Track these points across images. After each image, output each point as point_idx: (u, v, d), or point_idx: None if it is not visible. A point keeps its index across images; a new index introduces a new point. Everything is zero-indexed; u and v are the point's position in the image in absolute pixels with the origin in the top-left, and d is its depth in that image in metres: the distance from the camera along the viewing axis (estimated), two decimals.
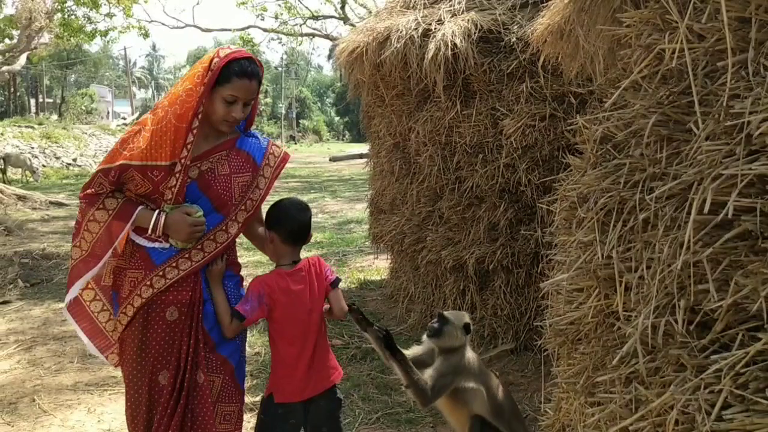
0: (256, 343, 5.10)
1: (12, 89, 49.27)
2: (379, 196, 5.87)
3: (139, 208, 2.51)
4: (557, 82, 4.27)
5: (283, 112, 66.47)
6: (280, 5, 26.29)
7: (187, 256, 2.53)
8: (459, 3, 4.85)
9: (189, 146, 2.46)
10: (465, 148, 4.79)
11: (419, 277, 5.41)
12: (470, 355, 3.03)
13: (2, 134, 24.20)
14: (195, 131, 2.46)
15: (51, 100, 55.51)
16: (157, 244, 2.54)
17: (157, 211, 2.49)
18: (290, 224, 2.68)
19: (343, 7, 25.62)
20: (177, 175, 2.46)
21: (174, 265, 2.53)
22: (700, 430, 1.31)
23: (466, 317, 3.08)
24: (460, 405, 3.00)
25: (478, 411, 2.99)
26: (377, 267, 7.27)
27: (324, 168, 27.62)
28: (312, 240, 9.44)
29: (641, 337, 1.50)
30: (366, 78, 5.36)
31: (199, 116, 2.45)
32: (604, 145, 1.82)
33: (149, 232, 2.49)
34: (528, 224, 4.59)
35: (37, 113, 46.18)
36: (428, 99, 5.03)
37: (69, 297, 2.62)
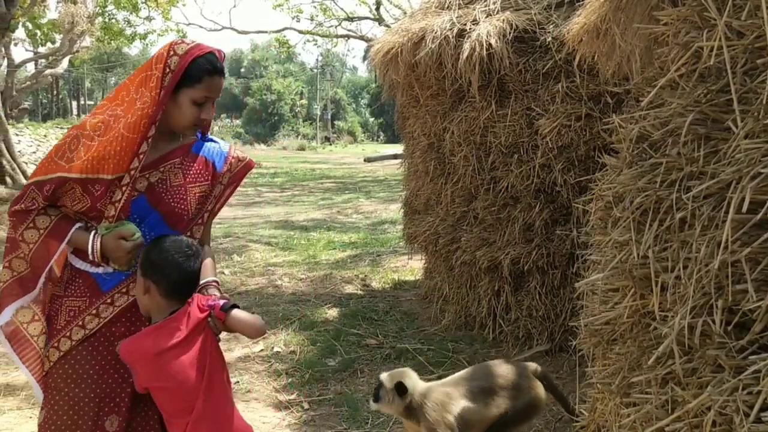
0: (291, 341, 5.15)
1: (55, 92, 50.44)
2: (414, 196, 5.88)
3: (76, 226, 2.20)
4: (593, 81, 4.24)
5: (318, 113, 66.84)
6: (315, 7, 26.50)
7: None
8: (494, 3, 4.84)
9: (141, 156, 2.17)
10: (500, 148, 4.78)
11: (453, 277, 5.40)
12: (434, 395, 2.97)
13: (45, 136, 24.73)
14: (150, 140, 2.17)
15: (92, 102, 56.65)
16: (100, 269, 2.23)
17: (92, 233, 2.17)
18: (175, 274, 2.16)
19: (378, 9, 25.69)
20: (124, 188, 2.17)
21: (124, 290, 2.22)
22: (738, 431, 1.29)
23: (403, 376, 3.00)
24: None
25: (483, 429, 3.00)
26: (411, 267, 7.28)
27: (358, 169, 27.71)
28: (347, 240, 9.44)
29: (678, 338, 1.49)
30: (401, 79, 5.37)
31: (156, 124, 2.17)
32: (641, 144, 1.81)
33: (89, 255, 2.17)
34: (563, 225, 4.56)
35: (78, 115, 47.24)
36: (463, 99, 5.02)
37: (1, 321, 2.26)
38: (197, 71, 2.17)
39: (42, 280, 2.21)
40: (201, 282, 2.30)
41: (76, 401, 2.13)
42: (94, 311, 2.19)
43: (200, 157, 2.39)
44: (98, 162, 2.14)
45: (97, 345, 2.19)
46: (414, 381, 3.03)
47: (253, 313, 5.78)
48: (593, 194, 2.08)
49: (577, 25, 2.97)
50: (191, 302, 2.19)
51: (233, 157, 2.48)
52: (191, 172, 2.34)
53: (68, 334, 2.18)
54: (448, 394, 2.98)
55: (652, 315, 1.65)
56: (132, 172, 2.17)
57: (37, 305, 2.25)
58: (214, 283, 2.35)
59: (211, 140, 2.48)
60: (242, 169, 2.50)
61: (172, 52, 2.16)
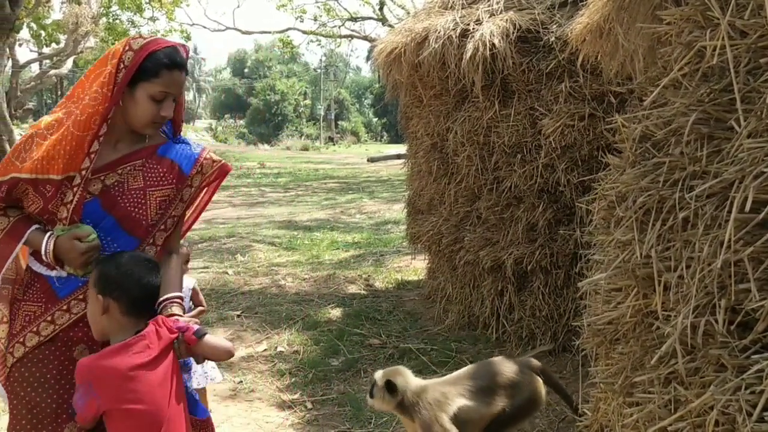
0: (294, 341, 5.15)
1: (59, 92, 50.49)
2: (417, 196, 5.88)
3: (32, 227, 2.13)
4: (597, 81, 4.23)
5: (322, 113, 66.87)
6: (319, 7, 26.51)
7: None
8: (497, 3, 4.83)
9: (93, 156, 2.08)
10: (503, 148, 4.77)
11: (457, 277, 5.40)
12: (429, 393, 2.99)
13: None
14: (102, 138, 2.09)
15: None
16: (54, 272, 2.13)
17: (48, 234, 2.09)
18: (136, 289, 2.06)
19: (381, 9, 25.71)
20: (75, 189, 2.07)
21: (80, 297, 2.11)
22: (741, 431, 1.29)
23: (394, 374, 3.04)
24: None
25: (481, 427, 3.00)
26: (414, 267, 7.28)
27: (362, 169, 27.70)
28: (350, 240, 9.42)
29: (680, 337, 1.49)
30: (404, 79, 5.37)
31: (108, 121, 2.10)
32: (644, 144, 1.81)
33: (42, 256, 2.09)
34: (567, 225, 4.56)
35: None
36: (466, 99, 5.02)
37: None
38: (154, 65, 2.07)
39: None
40: (163, 297, 2.16)
41: (33, 405, 2.07)
42: (49, 318, 2.10)
43: (166, 159, 2.26)
44: (48, 162, 2.07)
45: (54, 349, 2.11)
46: (407, 379, 3.04)
47: (256, 313, 5.79)
48: (596, 194, 2.08)
49: (581, 24, 2.97)
50: (159, 322, 2.05)
51: (205, 159, 2.34)
52: (153, 175, 2.21)
53: (22, 339, 2.10)
54: (444, 393, 2.99)
55: (654, 314, 1.65)
56: (83, 173, 2.08)
57: (5, 306, 2.20)
58: (177, 301, 2.19)
59: (184, 142, 2.35)
60: (217, 172, 2.38)
61: (127, 47, 2.09)
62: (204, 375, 3.59)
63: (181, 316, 2.14)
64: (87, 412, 1.94)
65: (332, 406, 4.10)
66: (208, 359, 2.22)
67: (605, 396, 1.96)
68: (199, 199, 2.49)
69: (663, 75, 1.84)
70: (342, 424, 3.86)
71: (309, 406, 4.10)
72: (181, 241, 3.53)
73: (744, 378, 1.33)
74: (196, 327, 2.07)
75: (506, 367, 3.12)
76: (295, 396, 4.24)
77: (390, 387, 2.98)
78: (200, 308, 3.61)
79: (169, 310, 2.14)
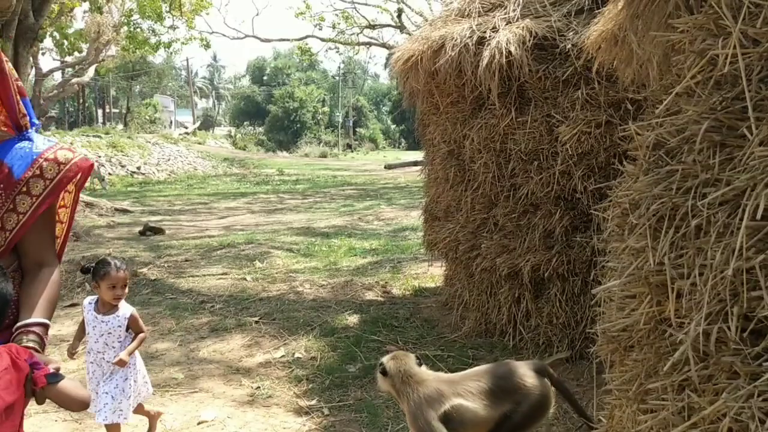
0: (312, 347, 5.18)
1: (81, 100, 51.16)
2: (434, 203, 5.89)
3: None
4: (613, 88, 4.23)
5: (340, 120, 67.11)
6: (337, 15, 26.68)
7: None
8: (514, 10, 4.85)
9: None
10: (520, 155, 4.78)
11: (474, 284, 5.40)
12: (425, 387, 3.02)
13: (72, 144, 25.14)
14: None
15: (117, 111, 57.38)
16: None
17: None
18: None
19: (399, 16, 25.80)
20: None
21: None
22: None
23: (391, 358, 3.14)
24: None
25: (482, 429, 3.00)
26: (432, 274, 7.29)
27: (380, 176, 27.77)
28: (368, 247, 9.43)
29: (693, 344, 1.49)
30: (421, 86, 5.40)
31: None
32: (657, 152, 1.81)
33: None
34: (584, 232, 4.55)
35: (104, 123, 47.89)
36: (483, 106, 5.04)
37: None
38: None
39: None
40: (23, 322, 1.89)
41: None
42: None
43: None
44: None
45: None
46: (406, 366, 3.08)
47: (274, 319, 5.82)
48: (611, 201, 2.09)
49: (596, 32, 2.98)
50: (14, 352, 1.78)
51: (46, 161, 1.97)
52: None
53: None
54: (439, 391, 2.99)
55: (668, 321, 1.65)
56: None
57: None
58: (37, 329, 1.89)
59: (28, 138, 2.02)
60: (67, 174, 2.00)
61: None
62: (118, 412, 3.43)
63: (37, 351, 1.87)
64: None
65: (349, 413, 4.11)
66: (61, 406, 1.95)
67: (620, 403, 1.96)
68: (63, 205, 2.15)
69: (676, 83, 1.85)
70: (359, 431, 3.88)
71: (326, 412, 4.12)
72: (118, 263, 3.45)
73: (757, 385, 1.34)
74: (51, 370, 1.83)
75: (514, 371, 3.11)
76: (313, 402, 4.26)
77: (383, 370, 3.08)
78: (141, 335, 3.54)
79: (23, 340, 1.86)
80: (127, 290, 3.53)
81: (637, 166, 1.94)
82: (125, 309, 3.51)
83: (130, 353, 3.47)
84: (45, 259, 2.00)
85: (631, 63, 2.58)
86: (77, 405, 1.91)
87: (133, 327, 3.52)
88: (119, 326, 3.48)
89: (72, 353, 3.59)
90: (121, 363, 3.42)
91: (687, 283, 1.57)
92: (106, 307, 3.50)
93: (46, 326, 1.92)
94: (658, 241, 1.68)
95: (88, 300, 3.61)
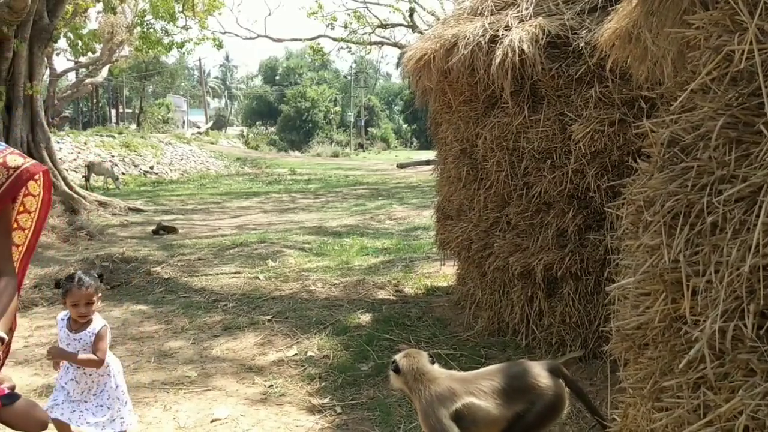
0: (324, 346, 5.19)
1: (94, 100, 51.52)
2: (446, 202, 5.89)
3: None
4: (626, 86, 4.21)
5: (352, 120, 67.17)
6: (349, 14, 26.69)
7: None
8: (526, 9, 4.83)
9: None
10: (533, 153, 4.77)
11: (486, 283, 5.39)
12: (437, 385, 3.01)
13: (85, 143, 25.33)
14: None
15: (130, 111, 57.71)
16: None
17: None
18: None
19: (411, 15, 25.78)
20: None
21: None
22: None
23: (404, 355, 3.12)
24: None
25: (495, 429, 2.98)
26: (444, 273, 7.28)
27: (392, 175, 27.77)
28: (380, 246, 9.45)
29: (709, 342, 1.48)
30: (433, 85, 5.39)
31: None
32: (672, 149, 1.80)
33: None
34: (597, 230, 4.53)
35: (117, 123, 48.19)
36: (495, 105, 5.03)
37: None
38: None
39: None
40: None
41: None
42: None
43: None
44: None
45: None
46: (419, 363, 3.07)
47: (286, 318, 5.84)
48: (625, 198, 2.08)
49: (609, 29, 2.97)
50: None
51: None
52: None
53: None
54: (451, 389, 2.98)
55: (683, 319, 1.64)
56: None
57: None
58: None
59: None
60: (17, 180, 1.92)
61: None
62: (119, 420, 3.36)
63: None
64: None
65: (362, 411, 4.12)
66: (15, 429, 1.83)
67: (634, 401, 1.96)
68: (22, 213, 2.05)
69: (691, 79, 1.84)
70: (371, 429, 3.88)
71: (339, 410, 4.13)
72: (85, 279, 3.19)
73: None
74: (6, 390, 1.73)
75: (528, 371, 3.09)
76: (325, 400, 4.27)
77: (395, 368, 3.08)
78: (91, 357, 3.27)
79: None
80: (94, 307, 3.31)
81: (652, 163, 1.93)
82: (97, 323, 3.31)
83: (71, 360, 3.28)
84: (3, 269, 1.89)
85: (645, 60, 2.57)
86: (36, 426, 1.78)
87: (94, 343, 3.29)
88: (86, 342, 3.29)
89: (57, 366, 3.45)
90: (51, 355, 3.22)
91: (702, 281, 1.56)
92: (77, 324, 3.30)
93: (3, 339, 1.79)
94: (673, 239, 1.67)
95: (60, 316, 3.42)
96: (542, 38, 4.53)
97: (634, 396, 1.95)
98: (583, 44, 4.35)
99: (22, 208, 2.03)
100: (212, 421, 3.99)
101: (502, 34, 4.73)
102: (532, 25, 4.63)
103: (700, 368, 1.54)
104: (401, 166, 32.28)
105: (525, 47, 4.51)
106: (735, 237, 1.47)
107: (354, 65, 67.07)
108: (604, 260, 4.42)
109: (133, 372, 4.77)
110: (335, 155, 46.25)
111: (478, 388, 3.00)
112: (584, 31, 4.40)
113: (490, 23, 4.88)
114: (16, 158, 1.94)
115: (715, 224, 1.55)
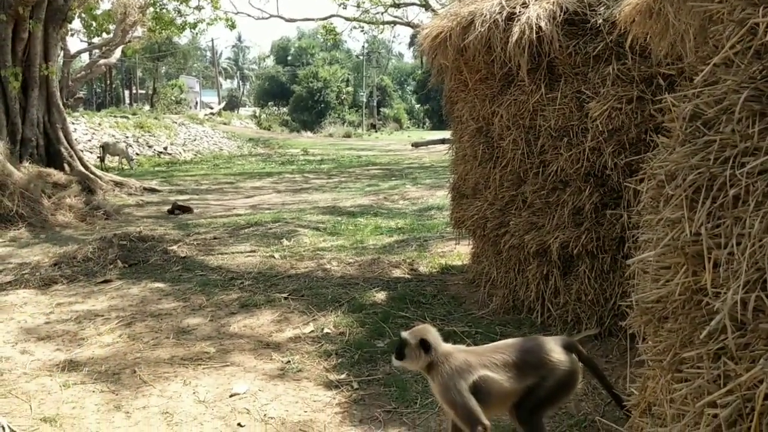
0: (340, 323, 5.24)
1: (108, 81, 51.59)
2: (462, 180, 5.89)
3: None
4: (645, 63, 4.19)
5: (364, 100, 66.97)
6: None
7: None
8: None
9: None
10: (549, 131, 4.76)
11: (501, 261, 5.41)
12: (453, 358, 3.01)
13: (100, 124, 25.47)
14: None
15: (143, 91, 57.78)
16: None
17: None
18: None
19: None
20: None
21: None
22: None
23: (425, 333, 3.07)
24: (488, 406, 2.97)
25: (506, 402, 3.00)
26: (458, 252, 7.30)
27: (405, 155, 27.73)
28: (393, 225, 9.45)
29: (730, 313, 1.50)
30: (449, 63, 5.38)
31: None
32: (694, 123, 1.81)
33: None
34: (614, 208, 4.53)
35: (131, 104, 48.29)
36: (512, 83, 5.01)
37: None
38: None
39: None
40: None
41: None
42: None
43: None
44: None
45: None
46: (436, 338, 3.08)
47: (302, 296, 5.90)
48: (644, 174, 2.09)
49: (629, 5, 2.95)
50: None
51: None
52: None
53: None
54: (467, 362, 2.99)
55: (704, 291, 1.66)
56: None
57: None
58: None
59: None
60: None
61: None
62: None
63: None
64: None
65: (378, 387, 4.16)
66: None
67: (653, 373, 1.98)
68: None
69: (714, 53, 1.84)
70: (388, 404, 3.93)
71: (355, 386, 4.18)
72: None
73: None
74: None
75: (541, 346, 3.11)
76: (342, 376, 4.32)
77: (425, 345, 3.01)
78: None
79: None
80: None
81: (673, 137, 1.94)
82: None
83: None
84: None
85: (666, 35, 2.56)
86: None
87: None
88: None
89: None
90: None
91: (724, 253, 1.58)
92: None
93: None
94: (695, 212, 1.68)
95: None
96: (560, 15, 4.50)
97: (654, 368, 1.97)
98: (601, 21, 4.32)
99: None
100: (231, 396, 4.05)
101: (519, 12, 4.71)
102: (549, 2, 4.60)
103: (721, 339, 1.56)
104: (416, 145, 32.23)
105: (542, 24, 4.49)
106: (757, 209, 1.48)
107: (366, 45, 66.79)
108: (621, 238, 4.42)
109: (153, 348, 4.84)
110: (347, 135, 46.21)
111: (491, 361, 3.02)
112: (602, 8, 4.37)
113: (506, 0, 4.85)
114: None
115: (738, 197, 1.56)
